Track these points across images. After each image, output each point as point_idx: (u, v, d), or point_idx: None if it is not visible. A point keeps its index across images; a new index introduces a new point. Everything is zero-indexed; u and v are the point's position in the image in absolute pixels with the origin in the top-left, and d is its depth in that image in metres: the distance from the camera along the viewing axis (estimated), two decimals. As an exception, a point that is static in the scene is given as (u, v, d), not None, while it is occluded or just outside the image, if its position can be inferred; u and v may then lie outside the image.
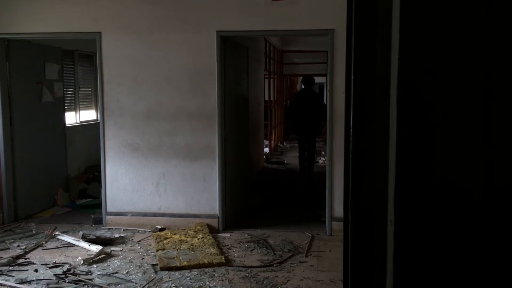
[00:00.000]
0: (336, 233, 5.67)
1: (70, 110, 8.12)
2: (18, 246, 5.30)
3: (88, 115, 8.80)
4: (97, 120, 8.48)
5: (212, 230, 5.80)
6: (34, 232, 5.79)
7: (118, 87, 5.97)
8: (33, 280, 4.39)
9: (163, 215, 6.01)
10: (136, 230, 5.90)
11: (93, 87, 8.72)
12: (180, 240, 5.37)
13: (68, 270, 4.61)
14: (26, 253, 5.07)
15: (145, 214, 6.03)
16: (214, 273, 4.58)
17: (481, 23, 1.18)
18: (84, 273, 4.56)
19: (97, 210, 6.48)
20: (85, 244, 5.23)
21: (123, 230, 5.92)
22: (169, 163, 5.97)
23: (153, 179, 6.02)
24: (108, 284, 4.32)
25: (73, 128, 8.08)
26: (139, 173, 6.03)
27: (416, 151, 1.23)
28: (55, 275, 4.49)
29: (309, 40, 12.14)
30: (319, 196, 6.51)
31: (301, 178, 9.26)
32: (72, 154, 7.75)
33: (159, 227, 5.91)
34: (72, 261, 4.85)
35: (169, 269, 4.65)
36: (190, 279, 4.45)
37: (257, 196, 7.50)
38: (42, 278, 4.44)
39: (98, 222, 6.15)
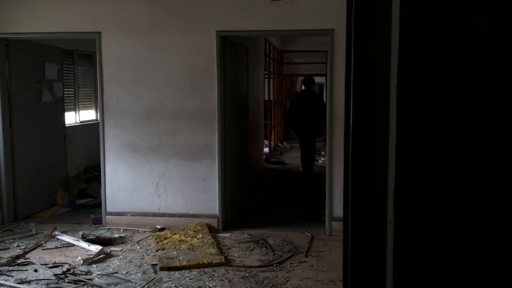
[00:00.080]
0: (336, 233, 5.67)
1: (69, 110, 8.12)
2: (18, 246, 5.30)
3: (88, 115, 8.80)
4: (97, 120, 8.48)
5: (212, 230, 5.80)
6: (33, 232, 5.79)
7: (118, 87, 5.97)
8: (32, 280, 4.39)
9: (162, 215, 6.01)
10: (136, 230, 5.90)
11: (93, 87, 8.72)
12: (179, 240, 5.37)
13: (68, 270, 4.61)
14: (25, 253, 5.07)
15: (145, 214, 6.03)
16: (213, 273, 4.58)
17: (481, 23, 1.18)
18: (84, 273, 4.56)
19: (96, 210, 6.48)
20: (84, 244, 5.23)
21: (123, 230, 5.92)
22: (169, 163, 5.97)
23: (153, 179, 6.02)
24: (108, 284, 4.32)
25: (73, 128, 8.08)
26: (138, 173, 6.03)
27: (416, 151, 1.23)
28: (55, 275, 4.48)
29: (309, 40, 12.14)
30: (319, 196, 6.51)
31: (301, 178, 9.26)
32: (72, 154, 7.75)
33: (158, 227, 5.90)
34: (72, 261, 4.85)
35: (169, 269, 4.65)
36: (190, 279, 4.45)
37: (256, 196, 7.50)
38: (41, 278, 4.44)
39: (98, 222, 6.14)
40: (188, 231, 5.66)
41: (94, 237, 5.45)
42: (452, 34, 1.19)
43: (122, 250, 5.21)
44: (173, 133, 5.94)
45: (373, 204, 1.44)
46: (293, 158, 11.81)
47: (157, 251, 5.08)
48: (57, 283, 4.33)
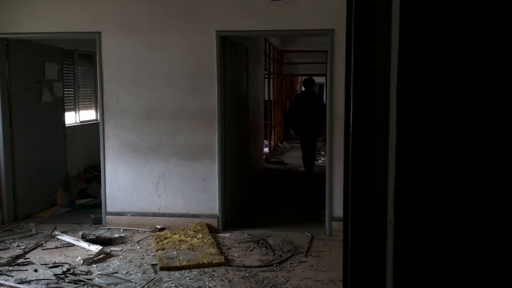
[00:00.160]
0: (336, 233, 5.67)
1: (69, 110, 8.12)
2: (18, 246, 5.30)
3: (88, 115, 8.80)
4: (97, 120, 8.48)
5: (212, 230, 5.80)
6: (33, 232, 5.79)
7: (118, 87, 5.97)
8: (32, 280, 4.39)
9: (162, 215, 6.01)
10: (136, 230, 5.90)
11: (92, 87, 8.72)
12: (179, 240, 5.37)
13: (68, 270, 4.61)
14: (25, 253, 5.07)
15: (145, 214, 6.03)
16: (213, 273, 4.58)
17: (481, 23, 1.18)
18: (84, 273, 4.56)
19: (96, 210, 6.48)
20: (84, 244, 5.23)
21: (123, 230, 5.92)
22: (168, 163, 5.97)
23: (153, 179, 6.02)
24: (108, 284, 4.32)
25: (73, 128, 8.08)
26: (138, 173, 6.03)
27: (416, 151, 1.23)
28: (55, 275, 4.48)
29: (309, 40, 12.14)
30: (319, 196, 6.51)
31: (301, 178, 9.26)
32: (72, 154, 7.75)
33: (158, 227, 5.90)
34: (72, 261, 4.85)
35: (169, 269, 4.65)
36: (190, 279, 4.45)
37: (256, 196, 7.50)
38: (41, 278, 4.44)
39: (98, 222, 6.14)
40: (188, 231, 5.66)
41: (94, 237, 5.45)
42: (452, 34, 1.19)
43: (122, 250, 5.21)
44: (173, 133, 5.94)
45: (373, 204, 1.44)
46: (293, 158, 11.81)
47: (157, 251, 5.08)
48: (57, 283, 4.33)
